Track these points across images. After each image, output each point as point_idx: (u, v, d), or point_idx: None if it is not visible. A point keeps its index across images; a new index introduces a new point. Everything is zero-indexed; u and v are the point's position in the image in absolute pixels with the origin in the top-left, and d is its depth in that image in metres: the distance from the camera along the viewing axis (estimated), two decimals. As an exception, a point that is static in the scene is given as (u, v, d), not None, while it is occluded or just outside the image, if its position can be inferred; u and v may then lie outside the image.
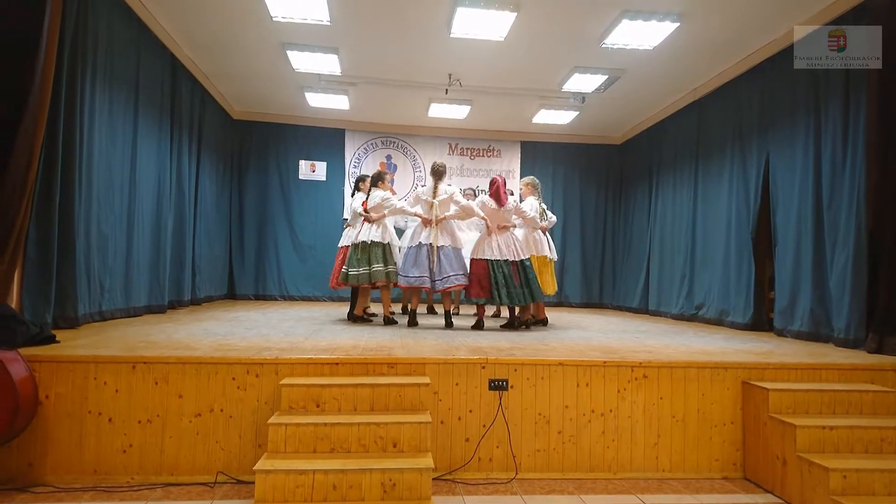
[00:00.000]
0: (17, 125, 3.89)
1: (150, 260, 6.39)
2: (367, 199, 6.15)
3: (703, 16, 5.84)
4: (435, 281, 5.61)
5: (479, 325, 5.71)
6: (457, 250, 5.79)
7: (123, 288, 5.76)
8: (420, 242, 5.75)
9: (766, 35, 6.16)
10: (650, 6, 5.71)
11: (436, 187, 5.84)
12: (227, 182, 9.51)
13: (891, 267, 4.66)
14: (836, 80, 5.36)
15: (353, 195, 6.69)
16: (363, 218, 6.06)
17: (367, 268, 5.84)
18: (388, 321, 5.95)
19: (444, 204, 5.77)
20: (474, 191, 8.87)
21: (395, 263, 5.89)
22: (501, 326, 5.92)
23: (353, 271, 5.90)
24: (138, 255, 6.04)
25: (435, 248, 5.66)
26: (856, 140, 5.09)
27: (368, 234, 5.93)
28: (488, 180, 10.15)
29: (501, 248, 5.65)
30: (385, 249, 5.90)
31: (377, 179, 6.22)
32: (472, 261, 5.74)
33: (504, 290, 5.54)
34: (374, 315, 6.60)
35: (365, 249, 5.89)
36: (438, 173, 5.92)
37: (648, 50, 6.60)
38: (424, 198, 5.85)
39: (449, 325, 5.77)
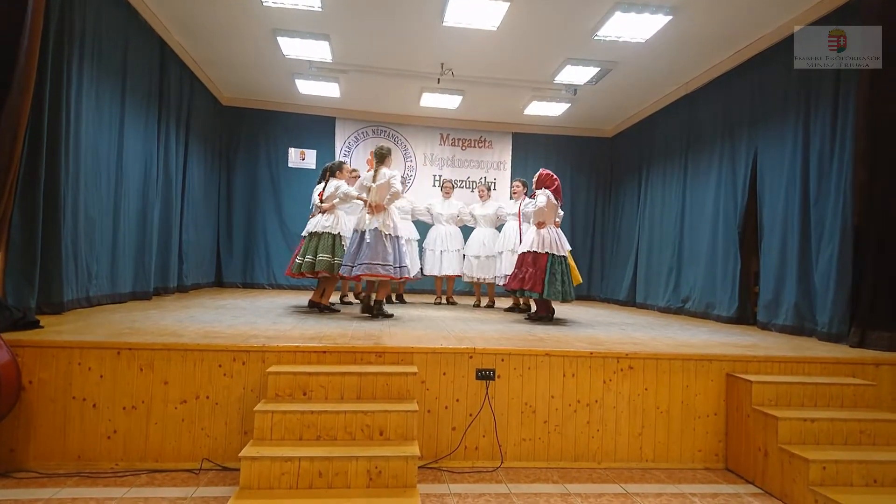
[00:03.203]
0: (0, 108, 3.82)
1: (136, 246, 6.32)
2: (323, 188, 6.13)
3: (696, 9, 5.85)
4: (352, 266, 5.38)
5: (542, 318, 5.81)
6: (390, 238, 5.45)
7: (109, 274, 5.70)
8: (356, 229, 5.59)
9: (758, 30, 6.19)
10: (643, -1, 5.71)
11: (377, 171, 5.62)
12: (215, 169, 9.42)
13: (875, 263, 4.72)
14: (827, 78, 5.39)
15: (318, 182, 6.41)
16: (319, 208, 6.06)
17: (313, 257, 5.80)
18: (323, 308, 5.87)
19: (381, 189, 5.52)
20: (485, 183, 8.99)
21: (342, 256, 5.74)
22: (527, 318, 5.96)
23: (299, 259, 5.92)
24: (124, 241, 5.97)
25: (362, 232, 5.44)
26: (844, 137, 5.13)
27: (317, 223, 5.95)
28: (480, 171, 10.36)
29: (561, 244, 5.73)
30: (335, 240, 5.84)
31: (335, 169, 6.19)
32: (532, 254, 5.66)
33: (560, 286, 5.57)
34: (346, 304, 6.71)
35: (313, 238, 5.90)
36: (380, 156, 5.68)
37: (641, 43, 6.60)
38: (366, 183, 5.66)
39: (366, 310, 5.63)
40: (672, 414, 3.91)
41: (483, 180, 10.41)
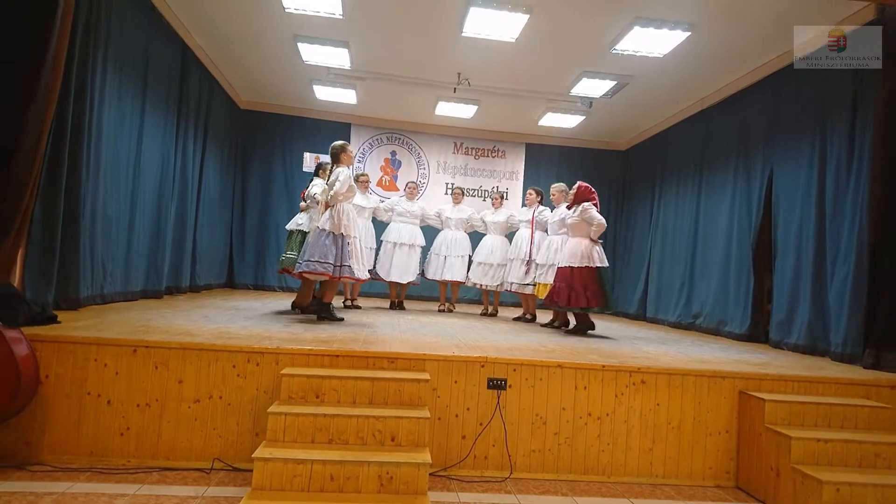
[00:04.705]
0: (28, 105, 3.88)
1: (150, 245, 6.38)
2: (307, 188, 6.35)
3: (714, 26, 5.87)
4: (299, 262, 5.26)
5: (582, 330, 5.86)
6: (333, 236, 5.18)
7: (123, 272, 5.76)
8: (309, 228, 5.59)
9: (776, 48, 6.18)
10: (662, 14, 5.73)
11: (330, 171, 5.45)
12: (231, 171, 9.51)
13: (890, 283, 4.69)
14: (844, 96, 5.39)
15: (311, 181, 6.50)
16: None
17: (284, 254, 6.10)
18: (293, 305, 6.09)
19: (331, 187, 5.32)
20: (500, 192, 8.91)
21: None
22: (567, 331, 5.97)
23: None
24: (139, 240, 6.03)
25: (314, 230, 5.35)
26: (861, 156, 5.12)
27: (293, 221, 6.27)
28: (492, 180, 10.38)
29: (604, 256, 5.85)
30: (305, 238, 5.81)
31: (318, 169, 6.31)
32: (583, 269, 5.66)
33: (610, 296, 5.71)
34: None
35: (291, 236, 6.20)
36: (333, 155, 5.45)
37: (658, 58, 6.62)
38: (325, 185, 5.56)
39: (320, 315, 5.48)
40: (683, 430, 3.89)
41: (495, 189, 10.45)
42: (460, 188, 8.33)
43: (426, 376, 3.58)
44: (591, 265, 5.67)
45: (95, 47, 4.83)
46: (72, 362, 3.43)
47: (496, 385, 3.76)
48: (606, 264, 5.81)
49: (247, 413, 3.54)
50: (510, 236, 7.65)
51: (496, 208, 7.82)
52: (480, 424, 3.73)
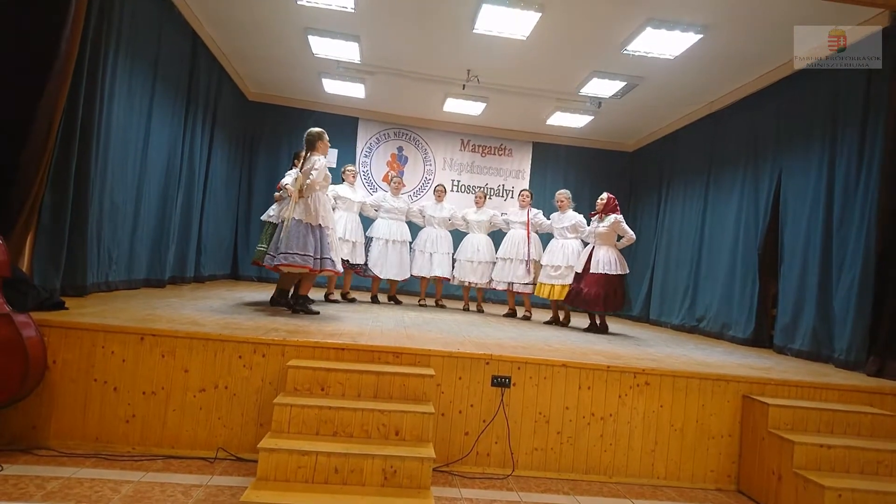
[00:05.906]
0: (41, 92, 3.89)
1: (154, 234, 6.38)
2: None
3: (727, 29, 5.85)
4: (273, 256, 4.98)
5: (604, 330, 6.37)
6: (311, 227, 4.99)
7: (128, 259, 5.77)
8: (282, 218, 5.25)
9: (788, 53, 6.15)
10: (675, 16, 5.72)
11: (306, 158, 5.19)
12: (237, 162, 9.52)
13: (896, 292, 4.68)
14: (855, 103, 5.37)
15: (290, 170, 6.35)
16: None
17: (257, 246, 5.94)
18: (273, 301, 5.66)
19: (305, 176, 5.09)
20: (483, 190, 8.88)
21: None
22: (587, 329, 6.40)
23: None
24: (143, 228, 6.04)
25: (287, 220, 5.00)
26: (871, 164, 5.11)
27: (267, 213, 6.15)
28: (498, 178, 10.38)
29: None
30: (274, 230, 5.58)
31: (294, 157, 6.22)
32: (617, 276, 6.17)
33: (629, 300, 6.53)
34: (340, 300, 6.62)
35: (264, 227, 6.09)
36: (309, 143, 5.22)
37: (669, 59, 6.60)
38: (298, 174, 5.34)
39: (295, 309, 5.22)
40: (686, 432, 3.89)
41: (501, 188, 10.46)
42: (442, 185, 8.25)
43: (431, 372, 3.59)
44: (624, 272, 6.23)
45: (108, 36, 4.83)
46: (79, 348, 3.45)
47: (500, 382, 3.77)
48: (625, 272, 6.33)
49: (252, 403, 3.55)
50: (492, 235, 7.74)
51: (479, 207, 7.81)
52: (483, 421, 3.74)
